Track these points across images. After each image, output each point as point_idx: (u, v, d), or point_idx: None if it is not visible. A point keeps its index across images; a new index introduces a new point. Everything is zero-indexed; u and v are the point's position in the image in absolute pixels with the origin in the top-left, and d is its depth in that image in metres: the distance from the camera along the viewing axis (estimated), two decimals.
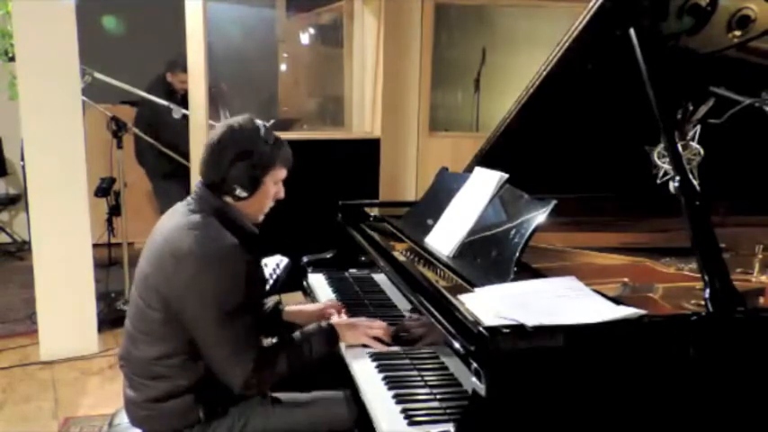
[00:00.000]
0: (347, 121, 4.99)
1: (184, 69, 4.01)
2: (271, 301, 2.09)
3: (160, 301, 1.66)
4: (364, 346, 1.80)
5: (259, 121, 1.74)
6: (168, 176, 4.45)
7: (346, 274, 2.48)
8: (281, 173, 1.78)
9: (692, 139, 1.77)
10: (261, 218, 1.82)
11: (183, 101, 4.06)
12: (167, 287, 1.64)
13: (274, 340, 1.91)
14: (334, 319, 1.90)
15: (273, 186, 1.77)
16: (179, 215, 1.72)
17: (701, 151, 1.75)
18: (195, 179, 3.93)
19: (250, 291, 1.67)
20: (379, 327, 1.82)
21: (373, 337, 1.79)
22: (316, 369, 1.80)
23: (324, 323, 1.81)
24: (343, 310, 2.05)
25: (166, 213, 1.79)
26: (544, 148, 2.21)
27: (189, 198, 1.77)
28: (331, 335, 1.78)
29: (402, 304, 2.07)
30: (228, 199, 1.74)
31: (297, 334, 1.78)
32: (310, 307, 2.12)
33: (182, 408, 1.69)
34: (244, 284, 1.63)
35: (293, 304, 2.16)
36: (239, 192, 1.71)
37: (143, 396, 1.72)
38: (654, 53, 1.69)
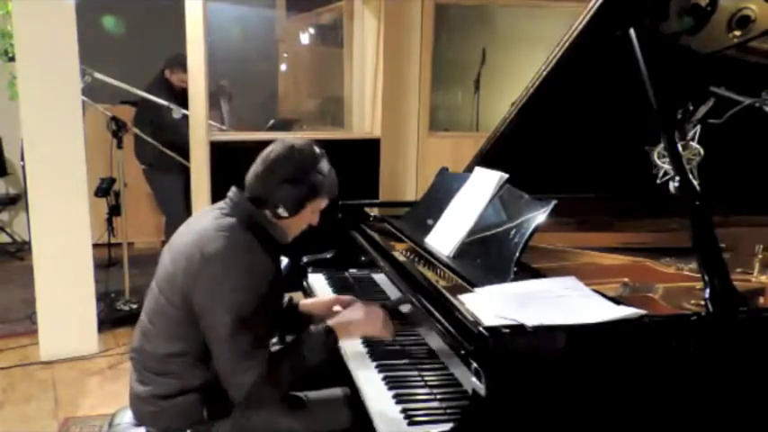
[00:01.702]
0: (347, 121, 5.00)
1: (183, 67, 4.01)
2: (285, 297, 2.09)
3: (182, 299, 1.66)
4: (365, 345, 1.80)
5: (318, 149, 1.75)
6: (166, 171, 4.46)
7: (346, 274, 2.48)
8: (323, 203, 1.80)
9: (692, 139, 1.77)
10: (290, 239, 1.82)
11: (183, 98, 4.06)
12: (192, 286, 1.65)
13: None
14: (331, 320, 1.83)
15: (311, 215, 1.79)
16: (210, 218, 1.72)
17: (701, 151, 1.75)
18: (195, 177, 3.97)
19: (268, 299, 1.67)
20: (383, 322, 1.79)
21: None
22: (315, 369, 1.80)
23: (322, 327, 1.75)
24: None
25: (196, 214, 1.80)
26: (544, 147, 2.21)
27: (222, 202, 1.78)
28: (329, 335, 1.74)
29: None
30: (267, 213, 1.74)
31: (297, 342, 1.74)
32: (323, 299, 2.12)
33: (187, 406, 1.69)
34: (264, 293, 1.64)
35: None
36: (281, 211, 1.72)
37: (150, 391, 1.72)
38: (654, 53, 1.69)
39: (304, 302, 2.11)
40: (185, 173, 4.17)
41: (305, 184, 1.71)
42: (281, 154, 1.72)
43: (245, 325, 1.60)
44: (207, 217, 1.73)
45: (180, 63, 4.17)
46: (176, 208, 4.43)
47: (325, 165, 1.74)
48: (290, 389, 1.72)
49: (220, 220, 1.70)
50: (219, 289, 1.61)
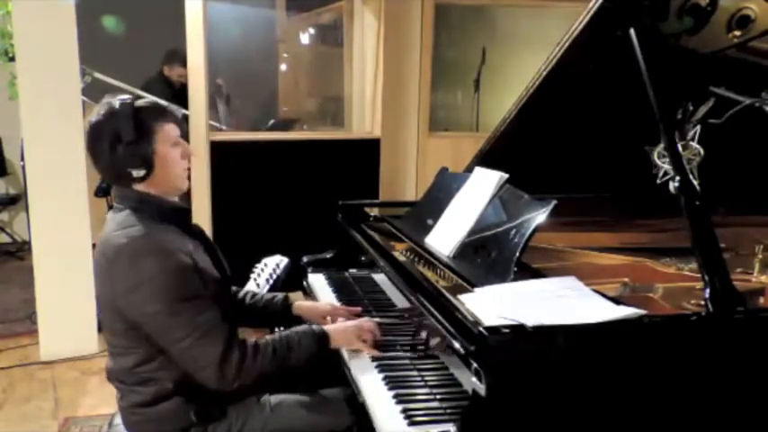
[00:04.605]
0: (347, 121, 4.99)
1: (181, 62, 4.00)
2: (280, 296, 2.06)
3: (111, 311, 1.63)
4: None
5: (116, 100, 1.63)
6: None
7: (346, 274, 2.48)
8: (169, 130, 1.66)
9: (692, 139, 1.77)
10: (185, 186, 1.73)
11: (183, 94, 4.05)
12: (109, 294, 1.61)
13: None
14: (327, 326, 1.83)
15: (172, 149, 1.66)
16: (109, 221, 1.68)
17: (701, 151, 1.75)
18: (195, 177, 3.96)
19: (195, 275, 1.61)
20: (368, 329, 1.78)
21: (364, 341, 1.76)
22: (315, 369, 1.79)
23: (316, 326, 1.78)
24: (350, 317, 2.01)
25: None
26: (544, 147, 2.21)
27: (114, 202, 1.73)
28: (321, 337, 1.74)
29: (402, 304, 2.06)
30: (139, 186, 1.66)
31: (287, 330, 1.74)
32: (321, 306, 2.08)
33: (172, 410, 1.66)
34: (187, 270, 1.58)
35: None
36: (136, 173, 1.62)
37: (132, 401, 1.70)
38: (654, 53, 1.69)
39: (299, 304, 2.06)
40: None
41: (124, 135, 1.59)
42: (89, 135, 1.63)
43: (181, 308, 1.55)
44: (108, 223, 1.68)
45: (177, 58, 4.14)
46: None
47: (128, 106, 1.61)
48: (274, 371, 1.66)
49: (115, 217, 1.66)
50: (135, 285, 1.55)
